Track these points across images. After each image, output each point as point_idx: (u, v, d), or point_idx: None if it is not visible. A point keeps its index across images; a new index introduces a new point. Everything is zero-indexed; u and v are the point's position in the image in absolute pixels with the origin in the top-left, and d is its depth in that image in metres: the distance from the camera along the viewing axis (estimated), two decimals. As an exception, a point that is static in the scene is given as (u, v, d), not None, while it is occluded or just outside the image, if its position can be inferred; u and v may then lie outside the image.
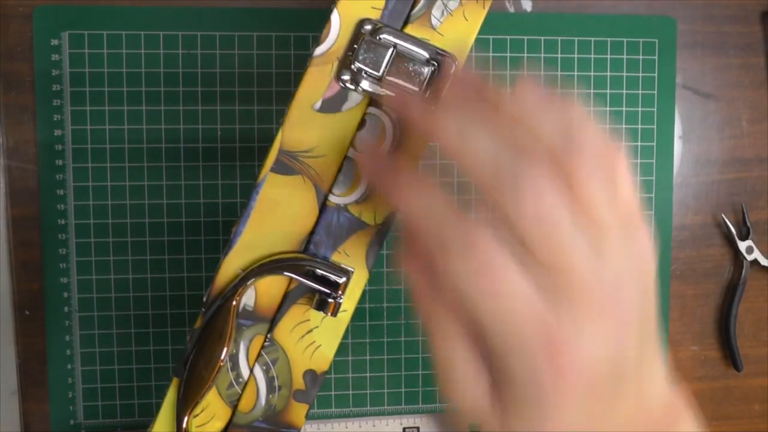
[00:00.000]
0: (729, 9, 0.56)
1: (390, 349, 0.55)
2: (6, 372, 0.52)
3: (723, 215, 0.57)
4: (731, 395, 0.59)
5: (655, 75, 0.56)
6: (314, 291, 0.32)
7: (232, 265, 0.32)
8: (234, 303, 0.32)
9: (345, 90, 0.31)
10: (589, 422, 0.29)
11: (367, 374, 0.55)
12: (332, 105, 0.31)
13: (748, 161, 0.57)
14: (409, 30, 0.31)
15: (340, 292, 0.32)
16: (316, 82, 0.31)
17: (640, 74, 0.55)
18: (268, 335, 0.33)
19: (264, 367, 0.33)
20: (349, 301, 0.33)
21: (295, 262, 0.31)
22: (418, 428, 0.56)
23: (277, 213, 0.32)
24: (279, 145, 0.32)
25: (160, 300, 0.53)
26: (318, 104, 0.31)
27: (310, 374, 0.33)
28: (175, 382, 0.33)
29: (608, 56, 0.55)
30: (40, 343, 0.52)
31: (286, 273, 0.31)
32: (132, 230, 0.52)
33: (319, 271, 0.32)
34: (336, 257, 0.32)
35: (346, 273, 0.32)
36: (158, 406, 0.34)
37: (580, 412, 0.29)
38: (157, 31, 0.51)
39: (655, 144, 0.56)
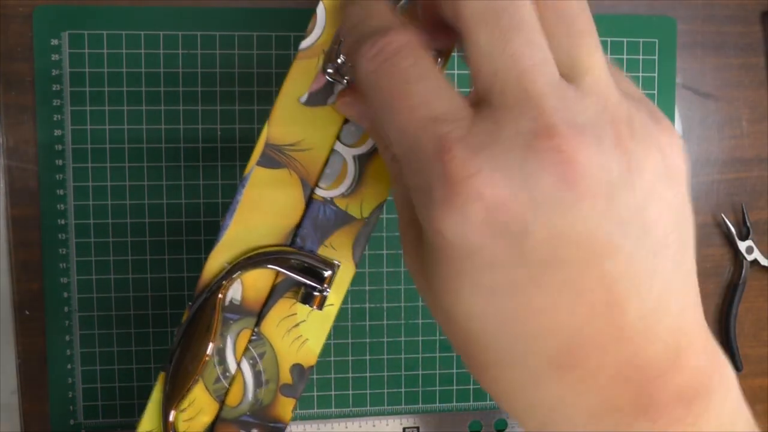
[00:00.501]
0: (729, 9, 0.56)
1: (390, 349, 0.55)
2: (6, 372, 0.52)
3: (723, 215, 0.57)
4: (732, 397, 0.59)
5: (655, 75, 0.55)
6: (300, 284, 0.32)
7: (218, 259, 0.33)
8: (220, 296, 0.32)
9: (331, 83, 0.31)
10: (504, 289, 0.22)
11: (367, 374, 0.55)
12: (318, 98, 0.31)
13: (748, 161, 0.57)
14: None
15: (326, 285, 0.32)
16: (303, 75, 0.31)
17: (640, 74, 0.55)
18: (255, 329, 0.33)
19: (251, 361, 0.33)
20: (335, 295, 0.33)
21: (281, 255, 0.31)
22: (418, 428, 0.56)
23: (264, 206, 0.32)
24: (265, 138, 0.32)
25: (160, 300, 0.53)
26: (304, 97, 0.31)
27: (297, 368, 0.33)
28: (161, 377, 0.33)
29: (608, 56, 0.55)
30: (40, 343, 0.52)
31: (271, 266, 0.31)
32: (132, 230, 0.52)
33: (306, 264, 0.32)
34: (323, 251, 0.32)
35: (333, 266, 0.32)
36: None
37: (488, 265, 0.22)
38: (157, 31, 0.51)
39: (654, 144, 0.55)
